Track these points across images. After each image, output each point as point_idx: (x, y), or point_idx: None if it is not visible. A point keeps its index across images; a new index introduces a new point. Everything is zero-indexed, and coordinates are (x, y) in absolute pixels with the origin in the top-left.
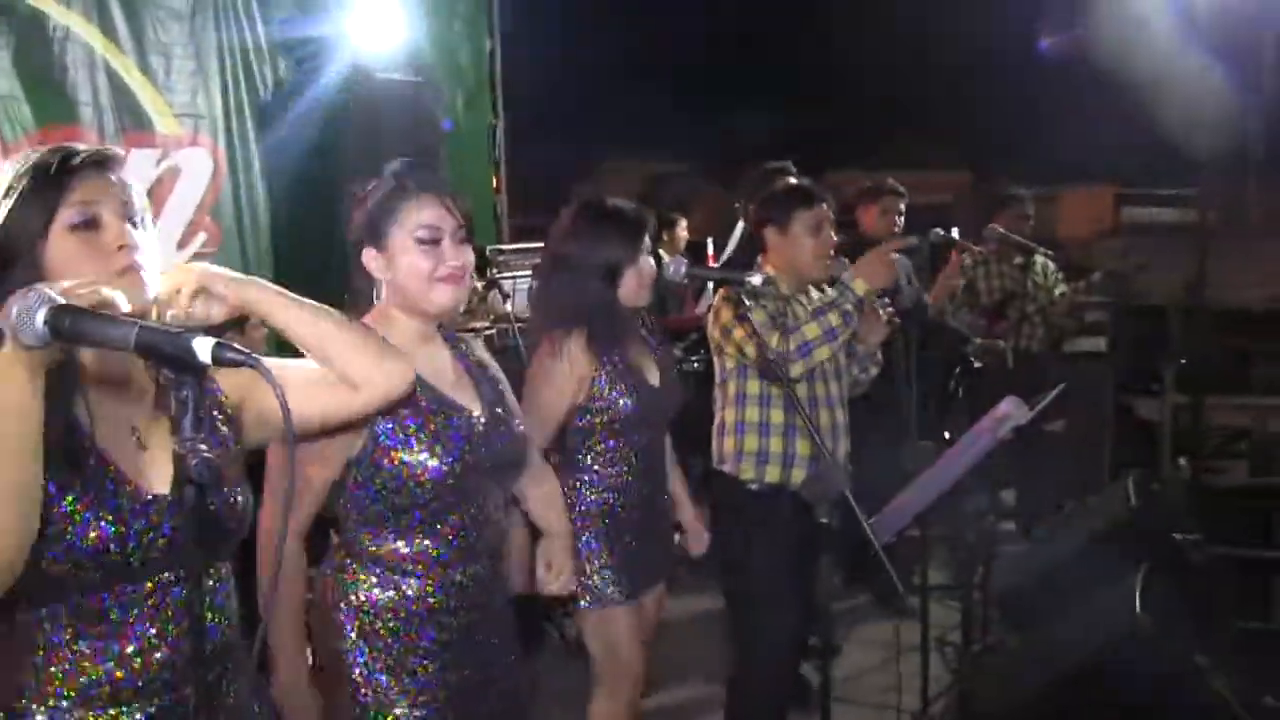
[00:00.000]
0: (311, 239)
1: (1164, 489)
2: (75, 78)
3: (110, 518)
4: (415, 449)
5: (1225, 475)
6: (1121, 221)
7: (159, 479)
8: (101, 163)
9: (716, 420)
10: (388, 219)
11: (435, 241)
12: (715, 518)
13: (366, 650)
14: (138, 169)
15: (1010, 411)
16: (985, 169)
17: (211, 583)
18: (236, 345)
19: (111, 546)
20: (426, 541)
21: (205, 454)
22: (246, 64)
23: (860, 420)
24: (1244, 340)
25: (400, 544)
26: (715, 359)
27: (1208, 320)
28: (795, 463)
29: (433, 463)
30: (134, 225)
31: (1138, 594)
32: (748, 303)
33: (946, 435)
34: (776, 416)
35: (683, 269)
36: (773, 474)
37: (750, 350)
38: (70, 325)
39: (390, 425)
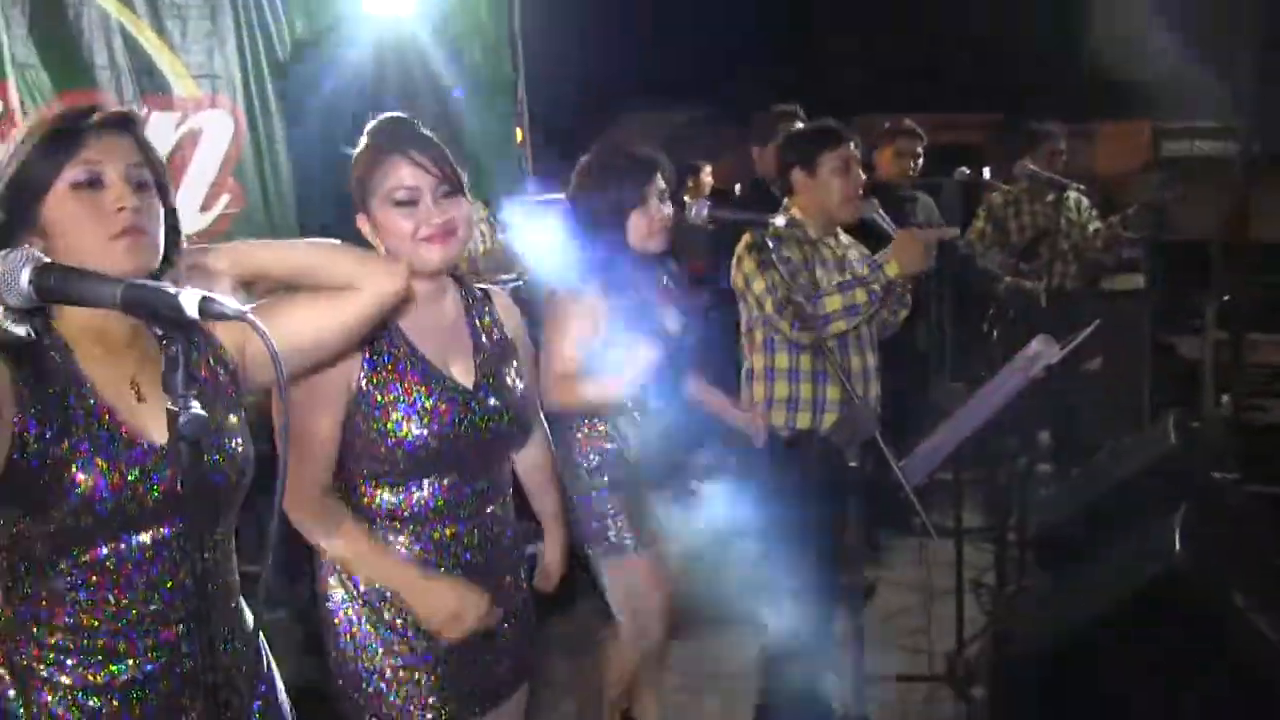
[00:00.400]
0: (335, 196)
1: (1204, 427)
2: (91, 43)
3: (105, 465)
4: (396, 415)
5: (1267, 413)
6: (1160, 156)
7: (157, 430)
8: (117, 124)
9: (745, 366)
10: (368, 184)
11: (413, 202)
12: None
13: (347, 602)
14: (157, 132)
15: (1040, 350)
16: (1018, 107)
17: (213, 539)
18: (222, 298)
19: (105, 494)
20: (402, 498)
21: (196, 410)
22: (263, 24)
23: (890, 361)
24: None
25: (380, 499)
26: (741, 305)
27: (1249, 255)
28: (826, 408)
29: (415, 431)
30: (143, 189)
31: (1176, 534)
32: (771, 244)
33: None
34: (806, 363)
35: (705, 210)
36: (803, 420)
37: (769, 306)
38: (55, 284)
39: (376, 390)
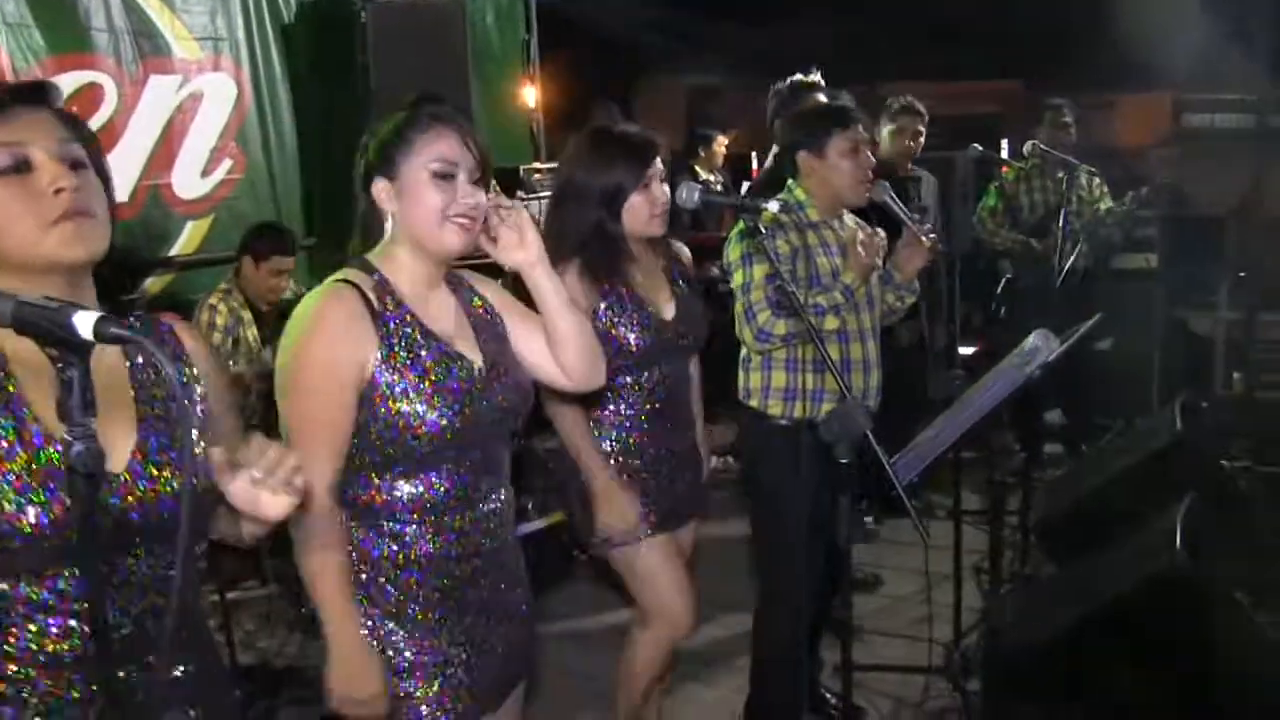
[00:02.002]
0: (339, 162)
1: (1214, 410)
2: (88, 3)
3: (43, 497)
4: (414, 400)
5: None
6: (1179, 128)
7: (116, 458)
8: (31, 97)
9: (743, 352)
10: (402, 148)
11: (449, 176)
12: (741, 450)
13: (365, 600)
14: (158, 96)
15: (1039, 345)
16: (1037, 77)
17: (141, 570)
18: (120, 320)
19: (44, 524)
20: (422, 488)
21: (92, 439)
22: None
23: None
24: None
25: (395, 491)
26: (730, 284)
27: (1265, 231)
28: (824, 398)
29: (431, 416)
30: (79, 167)
31: (1178, 528)
32: (764, 230)
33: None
34: (806, 352)
35: (696, 195)
36: (800, 410)
37: (739, 306)
38: None
39: (392, 375)
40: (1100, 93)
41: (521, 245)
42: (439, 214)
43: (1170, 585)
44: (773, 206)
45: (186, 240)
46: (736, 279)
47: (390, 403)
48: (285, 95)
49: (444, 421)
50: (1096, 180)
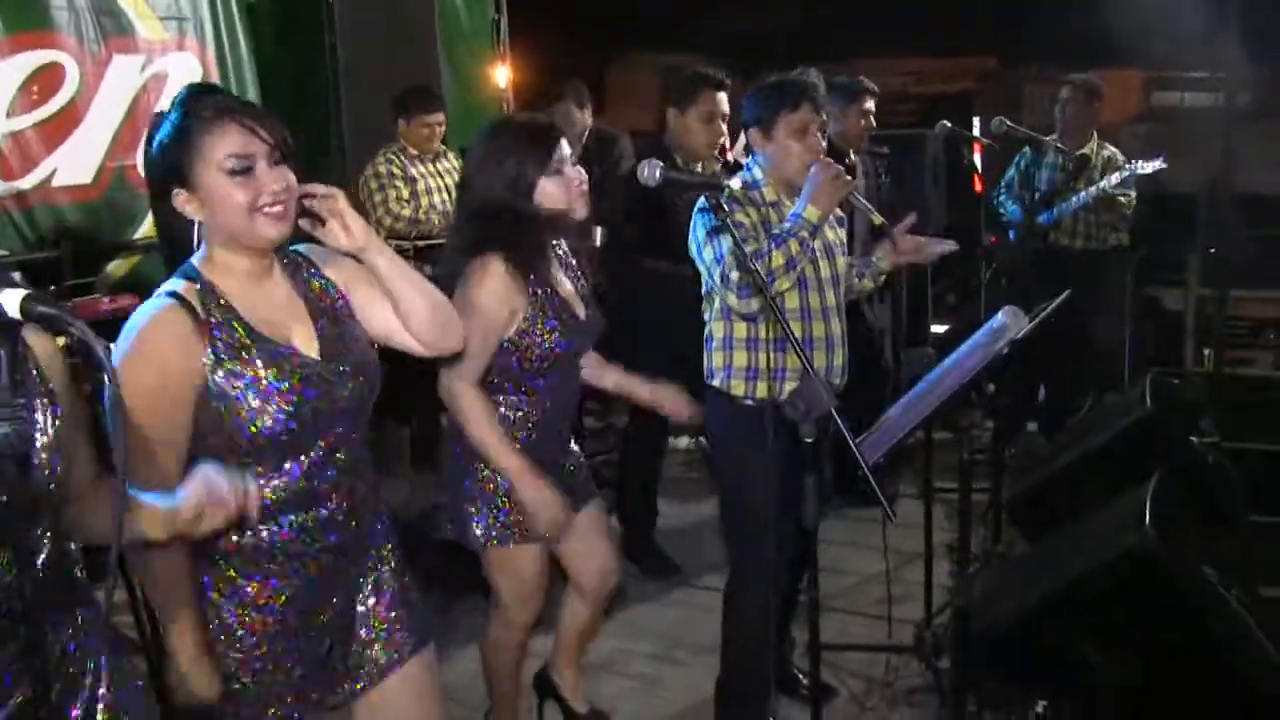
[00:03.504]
0: (306, 143)
1: (1184, 386)
2: None
3: None
4: (249, 403)
5: (1249, 367)
6: (1149, 106)
7: None
8: None
9: (706, 331)
10: (189, 154)
11: (248, 170)
12: (708, 430)
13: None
14: (121, 76)
15: (1008, 323)
16: (1012, 53)
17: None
18: (49, 300)
19: None
20: (273, 483)
21: (21, 421)
22: None
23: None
24: (1273, 229)
25: None
26: (699, 263)
27: (1235, 208)
28: (787, 376)
29: (265, 420)
30: None
31: (1148, 505)
32: (727, 208)
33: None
34: (765, 331)
35: (658, 173)
36: (762, 389)
37: (716, 275)
38: None
39: (223, 383)
40: (1070, 69)
41: (345, 230)
42: (247, 209)
43: (1140, 562)
44: (734, 184)
45: (153, 222)
46: (707, 254)
47: (228, 409)
48: (251, 76)
49: (281, 423)
50: (1110, 159)
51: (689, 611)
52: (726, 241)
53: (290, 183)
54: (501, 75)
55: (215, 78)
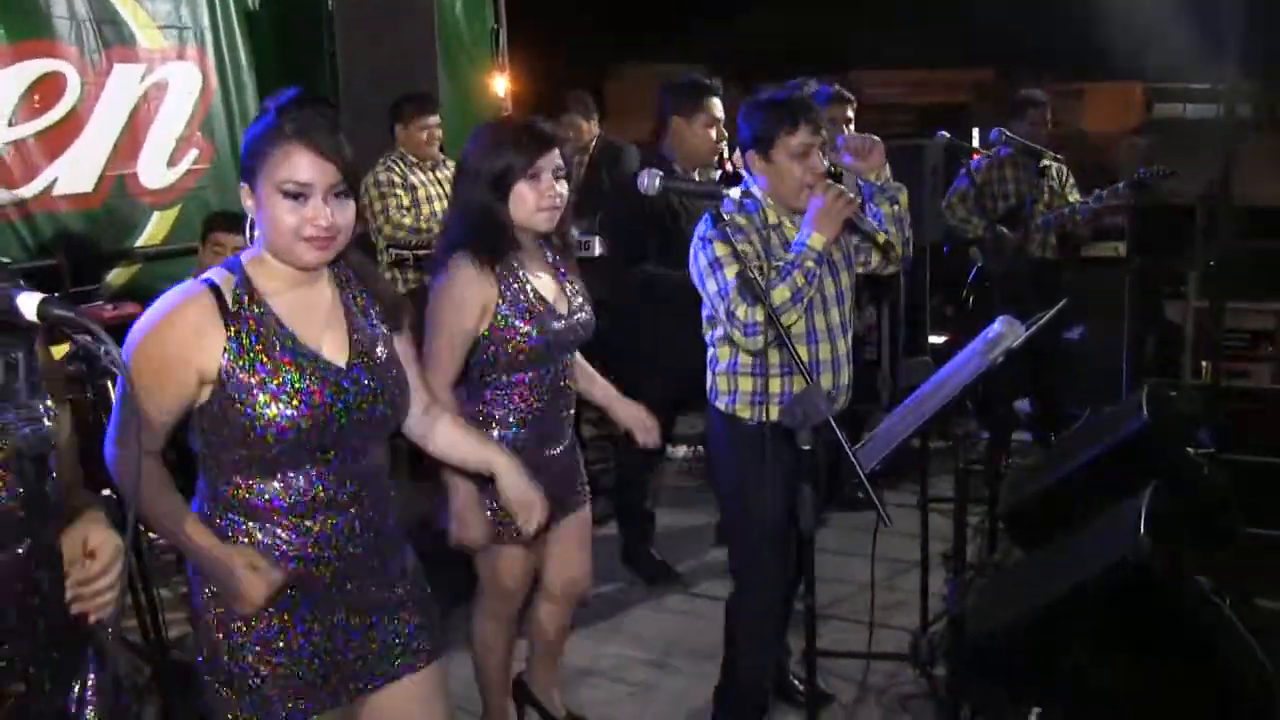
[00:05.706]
0: None
1: (1180, 398)
2: None
3: None
4: (262, 396)
5: (1247, 380)
6: (1150, 118)
7: None
8: None
9: (710, 353)
10: (258, 162)
11: (302, 197)
12: (710, 449)
13: (216, 596)
14: (122, 86)
15: (1004, 331)
16: (1009, 64)
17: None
18: (65, 303)
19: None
20: (283, 488)
21: (39, 423)
22: None
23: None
24: (1273, 241)
25: (256, 489)
26: (702, 294)
27: (1234, 220)
28: (792, 400)
29: (279, 416)
30: None
31: (1143, 516)
32: (730, 235)
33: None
34: (773, 356)
35: (657, 182)
36: (769, 414)
37: (721, 310)
38: None
39: (241, 374)
40: (1071, 81)
41: None
42: (291, 233)
43: (1134, 572)
44: (734, 193)
45: (154, 230)
46: (710, 287)
47: (240, 399)
48: (251, 84)
49: (292, 422)
50: (1065, 170)
51: (685, 619)
52: (730, 271)
53: (339, 222)
54: (500, 85)
55: (215, 87)
